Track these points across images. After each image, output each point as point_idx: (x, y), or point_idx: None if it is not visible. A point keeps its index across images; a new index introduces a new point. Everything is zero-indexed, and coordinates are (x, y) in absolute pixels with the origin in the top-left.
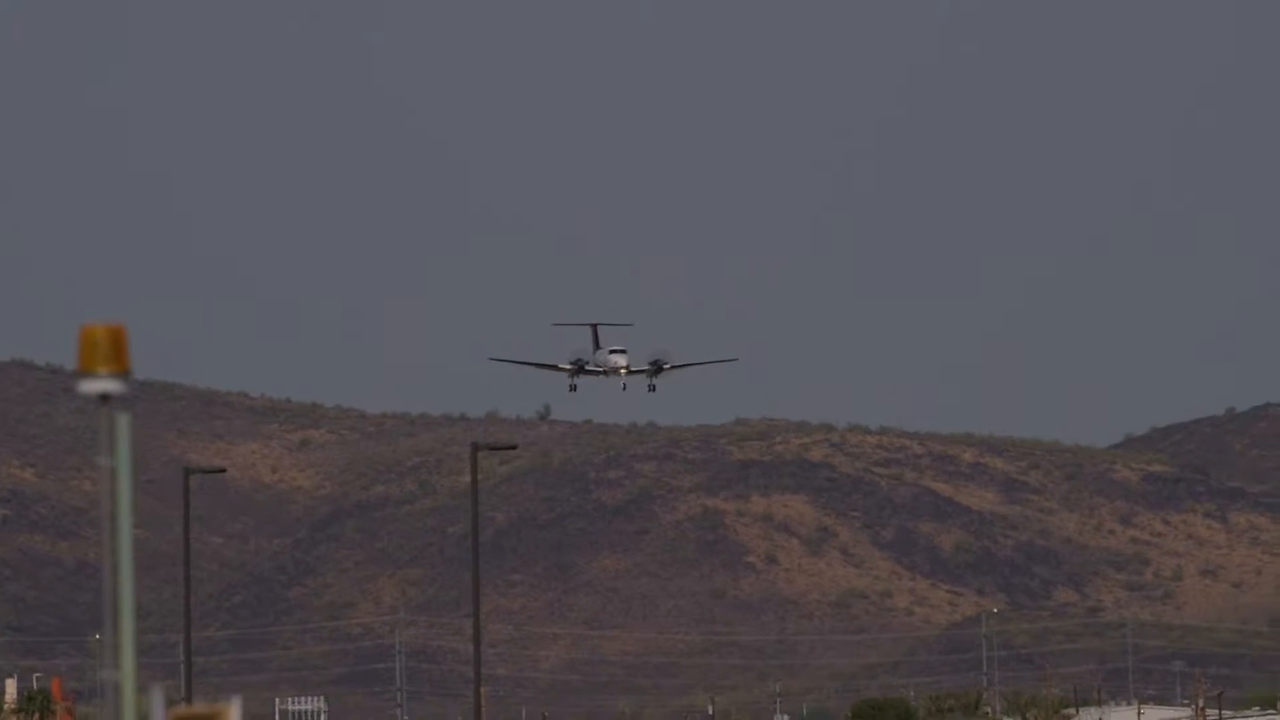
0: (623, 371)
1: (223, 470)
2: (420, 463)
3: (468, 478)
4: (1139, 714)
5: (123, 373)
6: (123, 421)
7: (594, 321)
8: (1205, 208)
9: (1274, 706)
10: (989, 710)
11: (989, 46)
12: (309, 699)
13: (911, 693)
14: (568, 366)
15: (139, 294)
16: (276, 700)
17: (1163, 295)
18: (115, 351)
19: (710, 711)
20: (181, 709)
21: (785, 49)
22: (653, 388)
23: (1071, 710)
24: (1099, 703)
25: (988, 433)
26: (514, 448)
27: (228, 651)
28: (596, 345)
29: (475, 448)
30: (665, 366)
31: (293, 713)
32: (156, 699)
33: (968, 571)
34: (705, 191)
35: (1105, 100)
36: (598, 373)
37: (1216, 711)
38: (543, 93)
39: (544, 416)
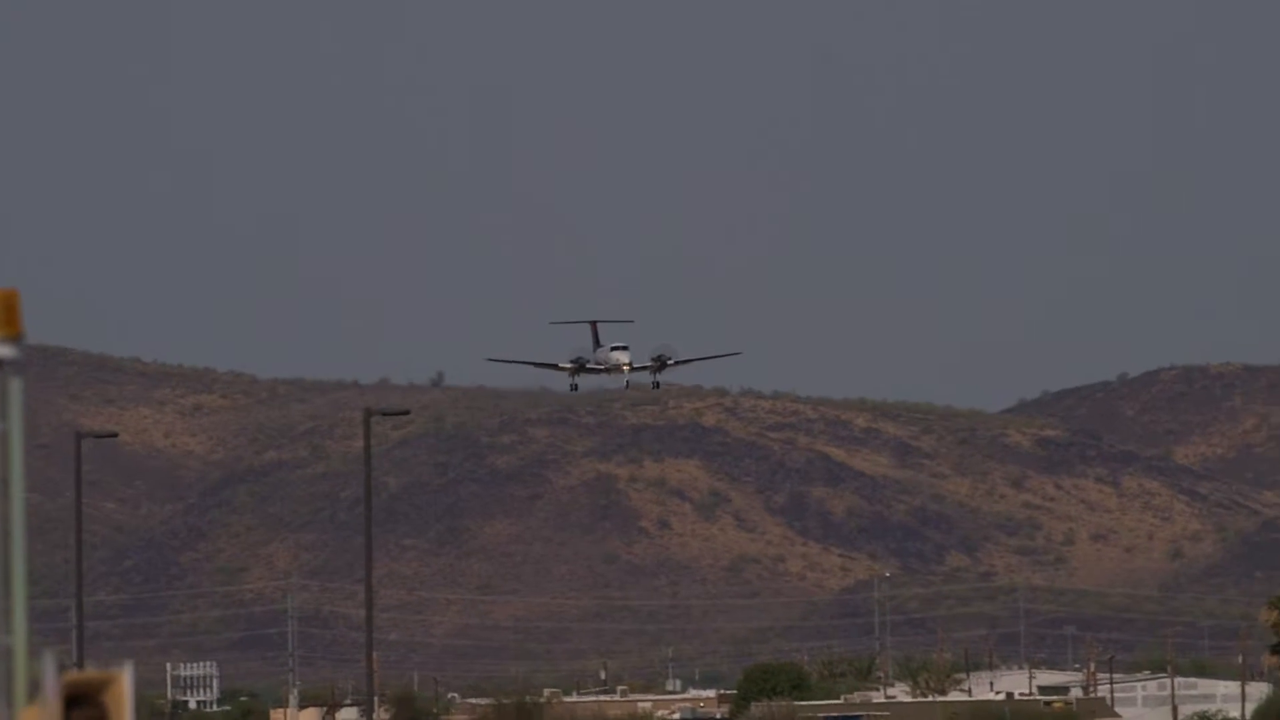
0: (626, 369)
1: (115, 435)
2: (313, 428)
3: (360, 443)
4: (1031, 678)
5: (15, 337)
6: (15, 386)
7: (593, 319)
8: (1102, 179)
9: (1164, 670)
10: (881, 674)
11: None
12: (201, 664)
13: (804, 657)
14: (568, 365)
15: (31, 258)
16: (169, 665)
17: (1055, 262)
18: (8, 316)
19: (603, 676)
20: (73, 674)
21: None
22: (657, 384)
23: (963, 674)
24: (991, 667)
25: (880, 398)
26: (407, 413)
27: (120, 617)
28: (597, 343)
29: (368, 413)
30: (669, 362)
31: (185, 678)
32: (48, 665)
33: (860, 536)
34: (594, 154)
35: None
36: (599, 370)
37: (1108, 675)
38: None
39: (437, 382)
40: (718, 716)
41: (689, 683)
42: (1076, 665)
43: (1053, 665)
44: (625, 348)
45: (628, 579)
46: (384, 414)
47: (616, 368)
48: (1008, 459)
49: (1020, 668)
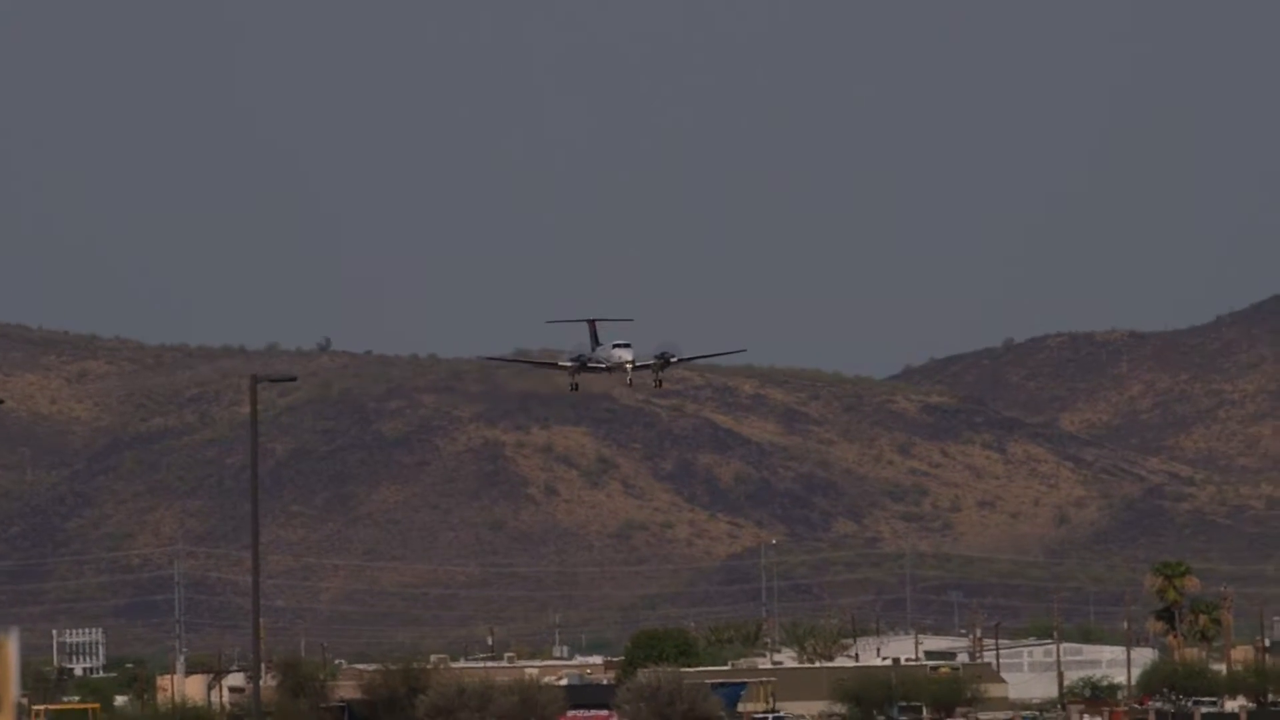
0: (629, 367)
1: (1, 401)
2: (199, 394)
3: (247, 409)
4: (917, 644)
5: None
6: None
7: (592, 318)
8: (991, 146)
9: (1050, 636)
10: (768, 641)
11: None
12: (87, 630)
13: (691, 623)
14: (568, 364)
15: None
16: (55, 632)
17: (941, 227)
18: None
19: (490, 643)
20: None
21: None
22: (659, 383)
23: (850, 640)
24: (877, 633)
25: (767, 364)
26: (294, 379)
27: (5, 583)
28: (595, 341)
29: (254, 379)
30: (672, 360)
31: (71, 644)
32: None
33: (747, 503)
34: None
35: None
36: (600, 369)
37: (994, 641)
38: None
39: (324, 348)
40: (605, 683)
41: (576, 649)
42: (963, 631)
43: (939, 631)
44: (627, 345)
45: (515, 545)
46: (271, 380)
47: (619, 366)
48: (895, 426)
49: (907, 634)
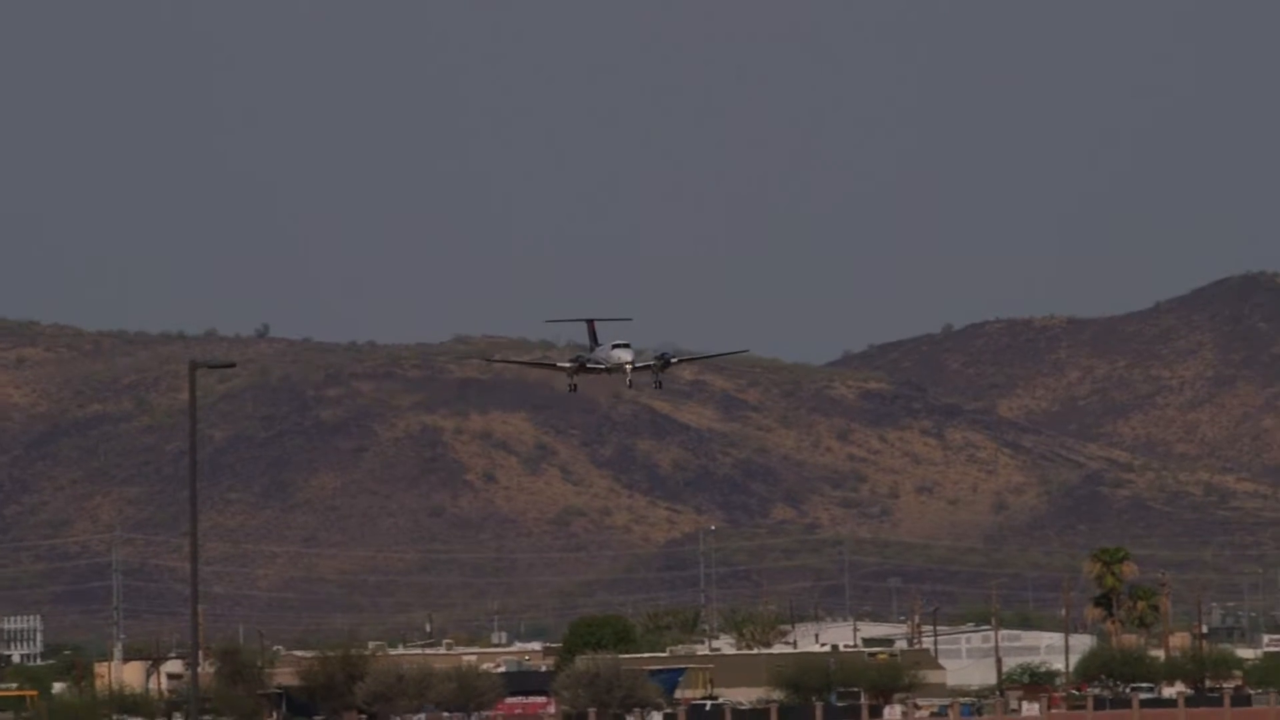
0: (628, 368)
1: None
2: (138, 380)
3: (186, 396)
4: (855, 630)
5: None
6: None
7: (591, 317)
8: (928, 134)
9: (988, 622)
10: (706, 627)
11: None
12: (25, 617)
13: (630, 610)
14: (567, 365)
15: None
16: None
17: (880, 215)
18: None
19: (428, 629)
20: None
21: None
22: (659, 384)
23: (788, 626)
24: (816, 619)
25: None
26: (232, 365)
27: None
28: (594, 341)
29: (193, 365)
30: (673, 361)
31: (8, 631)
32: None
33: (686, 489)
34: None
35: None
36: (600, 370)
37: (932, 627)
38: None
39: (263, 335)
40: (543, 669)
41: (514, 636)
42: (901, 617)
43: (877, 618)
44: (627, 345)
45: (453, 532)
46: (209, 366)
47: (618, 367)
48: (833, 412)
49: (845, 620)
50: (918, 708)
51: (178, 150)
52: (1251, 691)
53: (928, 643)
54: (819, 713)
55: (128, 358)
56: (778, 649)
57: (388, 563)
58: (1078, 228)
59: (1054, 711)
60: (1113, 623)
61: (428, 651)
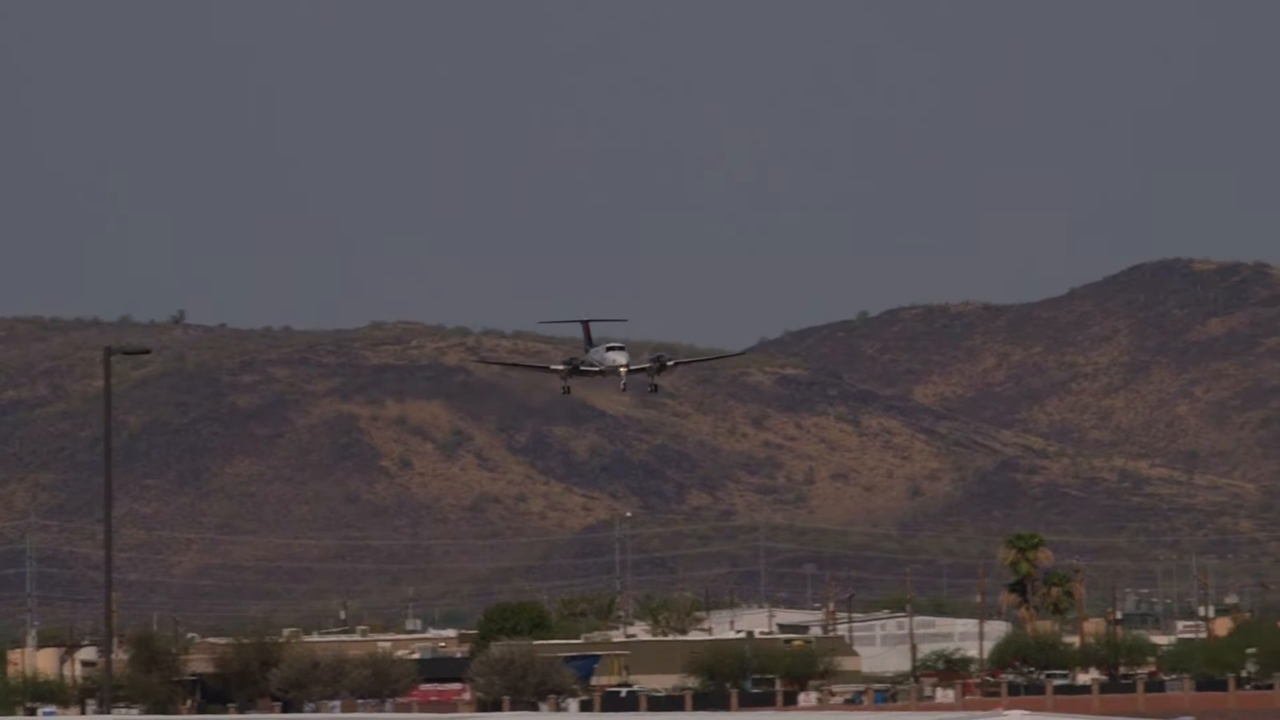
0: (622, 370)
1: None
2: (52, 367)
3: (100, 382)
4: (771, 617)
5: None
6: None
7: (585, 318)
8: (839, 117)
9: (903, 609)
10: (622, 613)
11: None
12: None
13: (545, 596)
14: (560, 367)
15: None
16: None
17: (794, 200)
18: None
19: (343, 616)
20: None
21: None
22: (654, 388)
23: (704, 613)
24: (731, 605)
25: (622, 337)
26: (148, 352)
27: None
28: (589, 343)
29: (108, 352)
30: (668, 364)
31: None
32: None
33: (602, 475)
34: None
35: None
36: (593, 372)
37: (847, 614)
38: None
39: (178, 320)
40: (458, 656)
41: (429, 622)
42: (816, 604)
43: (793, 604)
44: (621, 348)
45: (369, 519)
46: (124, 353)
47: (613, 369)
48: (749, 398)
49: (760, 606)
50: (832, 694)
51: (90, 134)
52: (1165, 678)
53: (843, 629)
54: (734, 699)
55: (42, 344)
56: (693, 636)
57: (303, 549)
58: (993, 215)
59: (968, 698)
60: (1027, 609)
61: (342, 638)
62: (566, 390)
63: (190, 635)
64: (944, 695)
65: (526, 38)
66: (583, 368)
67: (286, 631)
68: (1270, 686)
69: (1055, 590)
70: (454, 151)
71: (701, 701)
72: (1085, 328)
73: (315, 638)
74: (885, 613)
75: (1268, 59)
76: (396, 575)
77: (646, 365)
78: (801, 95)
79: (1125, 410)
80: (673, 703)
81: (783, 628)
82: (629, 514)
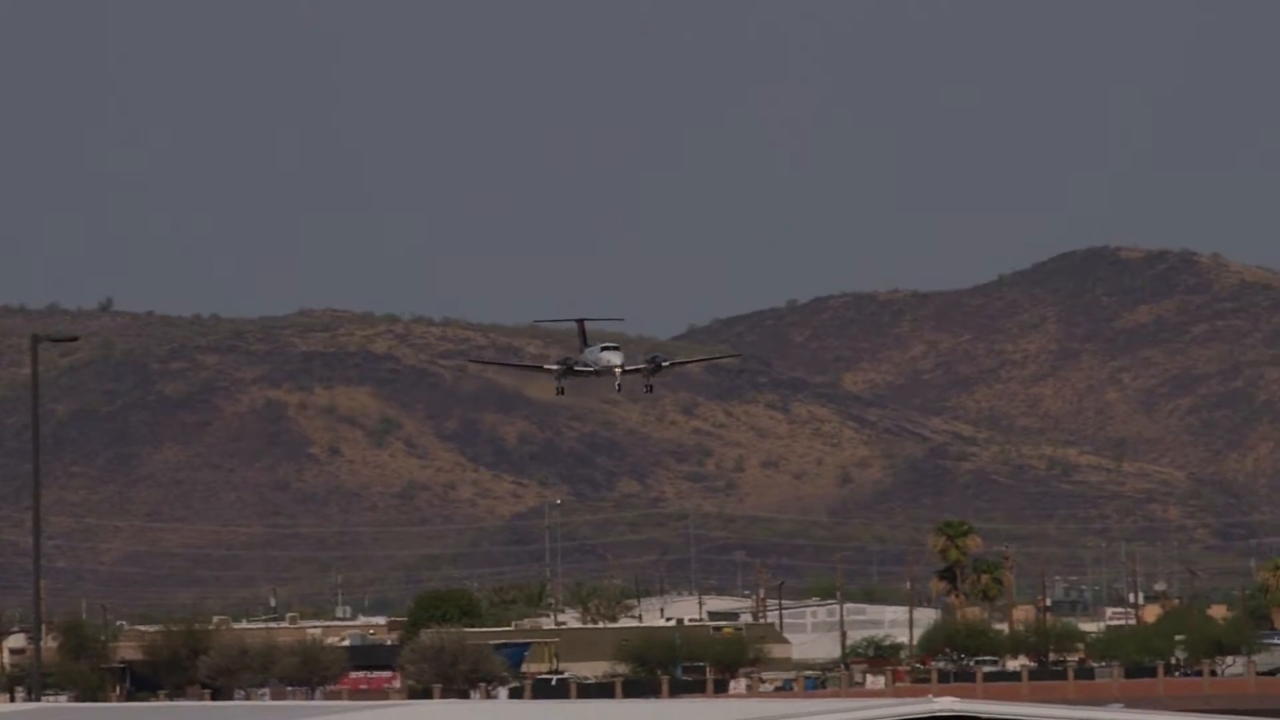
0: (617, 371)
1: None
2: None
3: (27, 369)
4: (701, 604)
5: None
6: None
7: (580, 318)
8: (774, 104)
9: (833, 596)
10: (552, 601)
11: None
12: None
13: (475, 584)
14: (554, 367)
15: None
16: None
17: (724, 185)
18: None
19: (272, 603)
20: None
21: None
22: (650, 388)
23: (634, 601)
24: (661, 593)
25: (551, 323)
26: (75, 339)
27: None
28: (584, 343)
29: (35, 339)
30: (664, 364)
31: None
32: None
33: (531, 463)
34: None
35: None
36: (588, 372)
37: (777, 601)
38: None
39: (106, 308)
40: (388, 643)
41: (359, 610)
42: (746, 591)
43: (723, 591)
44: (616, 348)
45: (298, 506)
46: (52, 340)
47: (608, 369)
48: (679, 386)
49: (690, 594)
50: (763, 681)
51: (14, 120)
52: (1094, 665)
53: (773, 617)
54: (664, 686)
55: None
56: (623, 623)
57: (232, 537)
58: (921, 203)
59: (898, 685)
60: (957, 596)
61: (271, 626)
62: (560, 391)
63: (119, 623)
64: (874, 682)
65: (451, 24)
66: (577, 368)
67: (215, 619)
68: (1199, 673)
69: (985, 577)
70: (381, 136)
71: (632, 689)
72: (1013, 315)
73: (244, 625)
74: (815, 600)
75: (1195, 50)
76: (326, 563)
77: (642, 366)
78: (726, 83)
79: (1054, 398)
80: (603, 690)
81: (713, 615)
82: (559, 501)
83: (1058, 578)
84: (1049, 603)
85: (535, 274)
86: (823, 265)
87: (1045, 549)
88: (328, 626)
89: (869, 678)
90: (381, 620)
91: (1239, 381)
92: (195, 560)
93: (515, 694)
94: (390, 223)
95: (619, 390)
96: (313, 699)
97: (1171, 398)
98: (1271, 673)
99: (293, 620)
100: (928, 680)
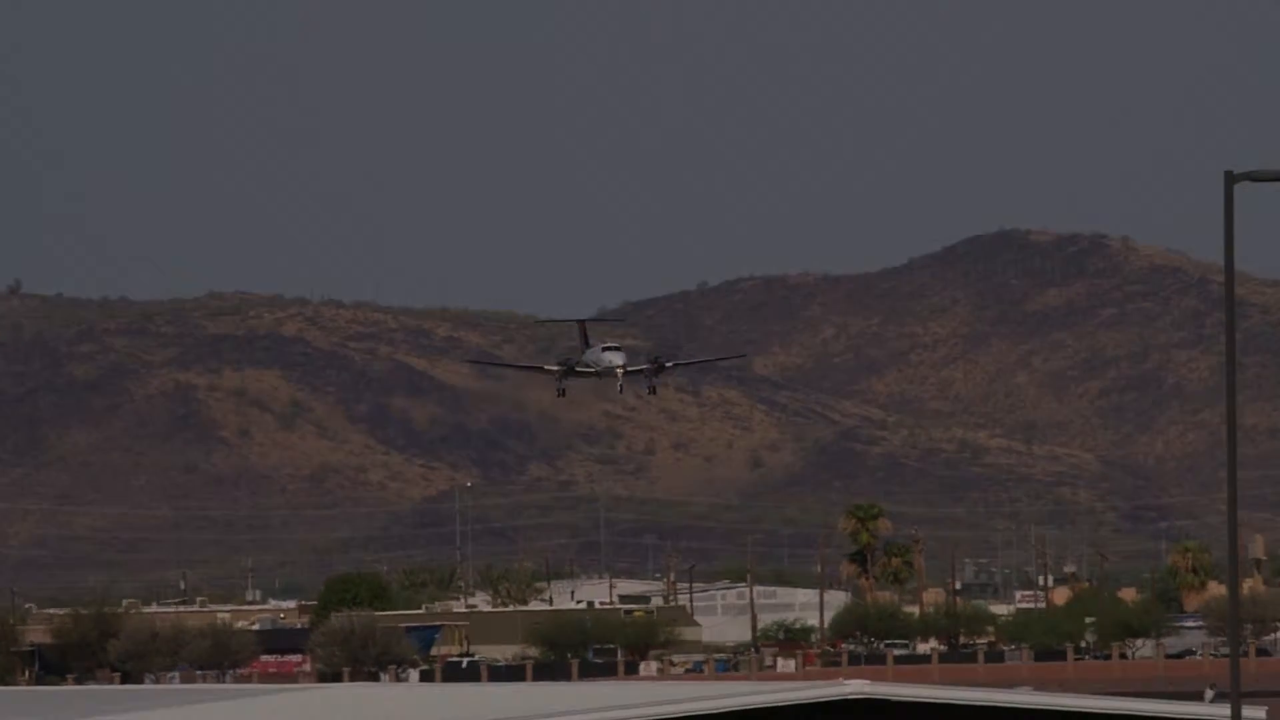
0: (620, 372)
1: None
2: None
3: None
4: (611, 587)
5: None
6: None
7: (582, 318)
8: (692, 89)
9: (743, 579)
10: (462, 584)
11: None
12: None
13: (385, 567)
14: (554, 368)
15: None
16: None
17: (633, 170)
18: None
19: (182, 586)
20: None
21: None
22: (653, 389)
23: (544, 584)
24: (572, 576)
25: (461, 306)
26: None
27: None
28: (586, 343)
29: None
30: (667, 365)
31: None
32: None
33: (441, 445)
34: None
35: None
36: (590, 373)
37: (688, 584)
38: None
39: (14, 290)
40: (298, 627)
41: (269, 593)
42: (657, 575)
43: (633, 575)
44: (618, 348)
45: (207, 489)
46: None
47: (609, 370)
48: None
49: (601, 577)
50: (673, 664)
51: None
52: (1004, 648)
53: (683, 600)
54: (575, 669)
55: None
56: (534, 606)
57: (141, 520)
58: (831, 185)
59: (809, 668)
60: (867, 579)
61: (182, 609)
62: (561, 393)
63: (27, 606)
64: (785, 665)
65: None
66: (578, 369)
67: (125, 602)
68: (1108, 656)
69: (895, 560)
70: (287, 118)
71: (543, 672)
72: (924, 298)
73: (154, 608)
74: (726, 583)
75: (1100, 33)
76: (236, 546)
77: (644, 366)
78: (636, 65)
79: (964, 381)
80: (513, 673)
81: (623, 598)
82: (469, 484)
83: (968, 561)
84: (959, 586)
85: (444, 256)
86: (733, 248)
87: (955, 532)
88: (238, 610)
89: (780, 661)
90: (292, 604)
91: (1149, 365)
92: (104, 544)
93: (426, 677)
94: (299, 206)
95: (620, 391)
96: (223, 682)
97: (1081, 381)
98: (1181, 655)
99: (202, 604)
100: (838, 663)
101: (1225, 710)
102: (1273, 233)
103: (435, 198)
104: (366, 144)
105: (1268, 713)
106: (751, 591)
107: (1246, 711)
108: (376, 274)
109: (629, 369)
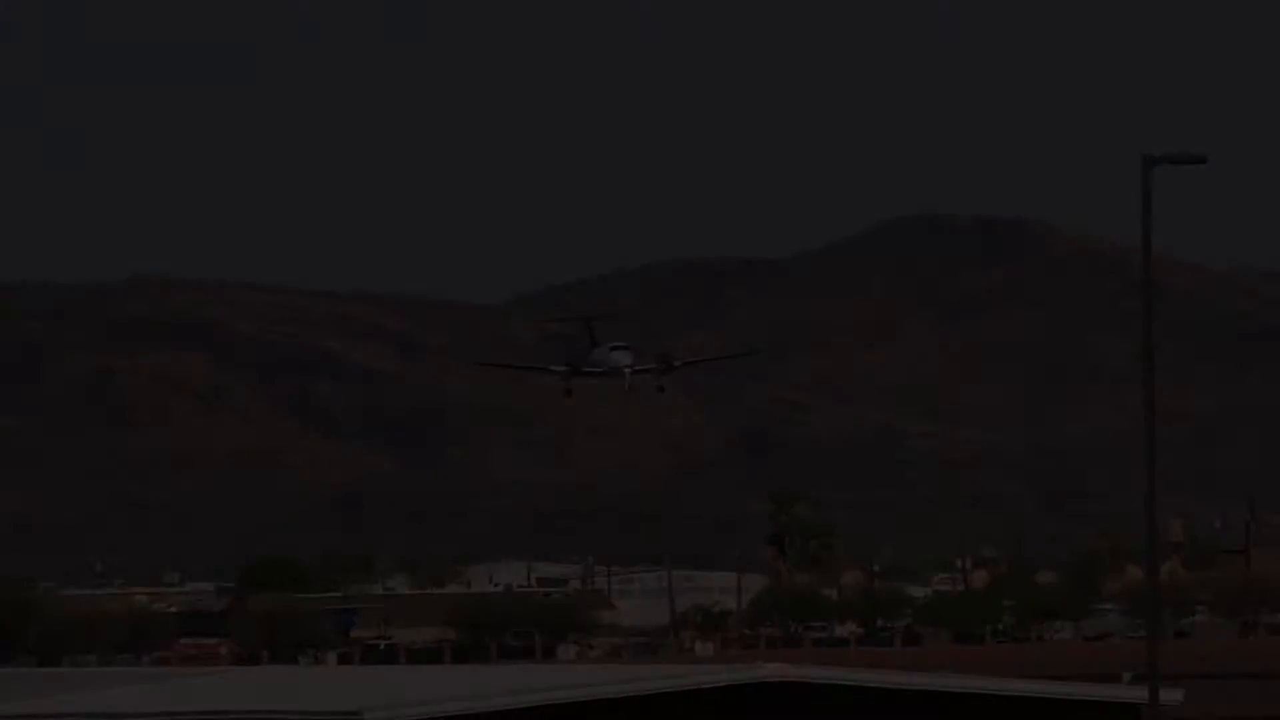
0: (627, 371)
1: None
2: None
3: None
4: (529, 571)
5: None
6: None
7: (588, 316)
8: (613, 76)
9: (662, 562)
10: (380, 567)
11: None
12: None
13: (304, 550)
14: (561, 368)
15: None
16: None
17: (551, 152)
18: None
19: (100, 570)
20: None
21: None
22: (661, 388)
23: (462, 567)
24: (489, 559)
25: (382, 291)
26: None
27: None
28: (593, 342)
29: None
30: (675, 364)
31: None
32: None
33: (360, 430)
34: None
35: None
36: (597, 373)
37: (606, 568)
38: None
39: None
40: (217, 610)
41: (188, 577)
42: (575, 558)
43: (551, 558)
44: (626, 347)
45: (127, 472)
46: None
47: (616, 370)
48: (508, 353)
49: (519, 560)
50: (591, 648)
51: None
52: (921, 630)
53: (601, 583)
54: (493, 652)
55: None
56: (451, 589)
57: (60, 503)
58: (751, 169)
59: (727, 651)
60: (785, 563)
61: (99, 593)
62: (568, 393)
63: None
64: (703, 648)
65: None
66: (585, 369)
67: (42, 586)
68: (1026, 639)
69: (813, 543)
70: (213, 103)
71: (461, 654)
72: (843, 282)
73: (72, 592)
74: (644, 567)
75: (1016, 16)
76: (154, 529)
77: (652, 366)
78: (556, 49)
79: (883, 365)
80: (432, 656)
81: (541, 581)
82: (387, 468)
83: (886, 544)
84: (877, 569)
85: (365, 242)
86: (653, 232)
87: (874, 515)
88: (156, 593)
89: (698, 644)
90: (210, 587)
91: (1068, 348)
92: (21, 527)
93: (344, 660)
94: (222, 189)
95: (628, 390)
96: (141, 665)
97: (1000, 364)
98: (1099, 638)
99: (121, 587)
100: (756, 646)
101: (1143, 692)
102: (1192, 216)
103: (356, 182)
104: (285, 130)
105: (1184, 695)
106: (669, 575)
107: (1164, 694)
108: (297, 258)
109: (636, 368)
